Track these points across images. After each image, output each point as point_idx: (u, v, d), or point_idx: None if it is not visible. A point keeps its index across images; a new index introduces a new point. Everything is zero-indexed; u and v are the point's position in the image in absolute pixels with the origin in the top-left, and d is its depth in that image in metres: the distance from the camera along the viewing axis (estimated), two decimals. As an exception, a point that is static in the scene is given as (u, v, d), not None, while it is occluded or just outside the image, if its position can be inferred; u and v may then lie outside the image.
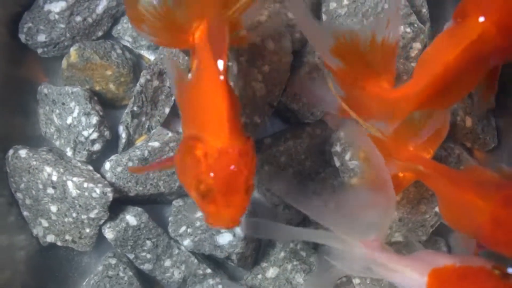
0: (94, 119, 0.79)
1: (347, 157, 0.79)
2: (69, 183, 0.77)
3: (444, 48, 0.63)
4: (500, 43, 0.62)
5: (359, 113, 0.64)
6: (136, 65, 0.86)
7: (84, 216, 0.78)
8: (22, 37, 0.82)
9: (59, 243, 0.81)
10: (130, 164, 0.79)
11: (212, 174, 0.54)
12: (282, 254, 0.81)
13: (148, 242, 0.80)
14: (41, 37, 0.82)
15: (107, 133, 0.81)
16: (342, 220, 0.67)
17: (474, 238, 0.67)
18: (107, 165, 0.80)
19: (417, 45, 0.79)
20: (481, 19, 0.61)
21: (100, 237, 0.80)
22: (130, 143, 0.83)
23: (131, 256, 0.81)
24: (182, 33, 0.64)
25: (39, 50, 0.83)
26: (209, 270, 0.80)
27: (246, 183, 0.55)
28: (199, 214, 0.79)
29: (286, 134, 0.82)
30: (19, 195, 0.81)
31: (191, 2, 0.62)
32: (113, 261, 0.80)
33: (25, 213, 0.81)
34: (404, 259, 0.67)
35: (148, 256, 0.81)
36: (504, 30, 0.61)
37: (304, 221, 0.82)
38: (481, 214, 0.63)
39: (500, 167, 0.70)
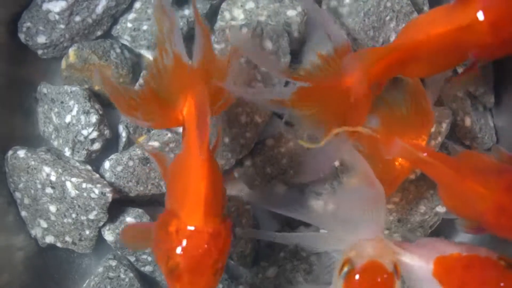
0: (94, 118, 0.79)
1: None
2: (68, 184, 0.77)
3: (433, 22, 0.64)
4: (489, 40, 0.62)
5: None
6: (135, 64, 0.86)
7: (83, 217, 0.78)
8: (21, 36, 0.82)
9: (58, 245, 0.80)
10: (131, 163, 0.79)
11: (181, 252, 0.56)
12: (282, 254, 0.81)
13: (149, 244, 0.80)
14: (41, 39, 0.82)
15: (107, 132, 0.81)
16: (340, 222, 0.67)
17: (477, 224, 0.68)
18: (107, 164, 0.80)
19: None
20: (480, 13, 0.61)
21: (100, 238, 0.80)
22: (130, 142, 0.82)
23: (132, 259, 0.81)
24: (171, 112, 0.65)
25: (39, 52, 0.83)
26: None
27: (214, 266, 0.56)
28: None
29: (287, 136, 0.82)
30: (17, 194, 0.80)
31: (173, 81, 0.65)
32: (113, 263, 0.80)
33: (23, 213, 0.81)
34: (409, 246, 0.67)
35: (149, 259, 0.81)
36: (496, 30, 0.62)
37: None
38: (483, 201, 0.64)
39: (498, 148, 0.70)
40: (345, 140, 0.67)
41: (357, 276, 0.61)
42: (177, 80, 0.65)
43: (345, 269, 0.61)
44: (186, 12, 0.84)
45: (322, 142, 0.67)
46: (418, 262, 0.64)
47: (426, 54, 0.65)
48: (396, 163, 0.72)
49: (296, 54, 0.82)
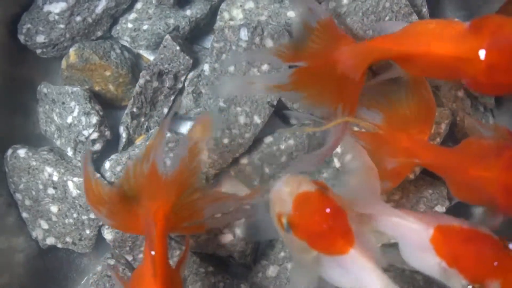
0: (94, 119, 0.79)
1: (347, 158, 0.79)
2: (70, 183, 0.77)
3: (438, 39, 0.64)
4: (483, 79, 0.62)
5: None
6: (135, 65, 0.86)
7: (84, 217, 0.78)
8: (21, 37, 0.82)
9: (59, 245, 0.80)
10: (130, 163, 0.79)
11: None
12: (282, 254, 0.81)
13: (147, 244, 0.80)
14: (40, 38, 0.82)
15: (107, 133, 0.81)
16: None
17: (492, 209, 0.67)
18: (107, 165, 0.80)
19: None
20: (482, 51, 0.61)
21: (99, 238, 0.80)
22: (130, 142, 0.83)
23: (129, 258, 0.80)
24: (135, 219, 0.66)
25: (38, 51, 0.83)
26: (211, 268, 0.79)
27: None
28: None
29: (286, 134, 0.82)
30: (18, 195, 0.80)
31: (144, 190, 0.65)
32: (111, 262, 0.80)
33: (24, 215, 0.81)
34: (410, 212, 0.66)
35: (147, 257, 0.81)
36: (492, 73, 0.61)
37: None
38: (490, 185, 0.64)
39: (496, 125, 0.70)
40: (343, 130, 0.68)
41: (296, 214, 0.59)
42: (148, 189, 0.65)
43: (284, 221, 0.60)
44: (188, 12, 0.84)
45: (324, 127, 0.67)
46: (418, 226, 0.64)
47: (421, 65, 0.65)
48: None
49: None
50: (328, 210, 0.58)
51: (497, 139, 0.68)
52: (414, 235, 0.64)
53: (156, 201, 0.64)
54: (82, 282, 0.82)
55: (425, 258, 0.64)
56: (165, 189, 0.65)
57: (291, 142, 0.80)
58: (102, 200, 0.66)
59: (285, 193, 0.60)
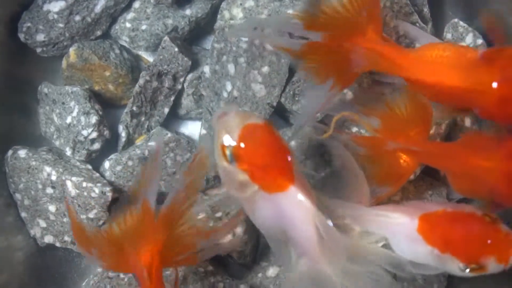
0: (94, 119, 0.79)
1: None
2: (68, 183, 0.77)
3: (451, 68, 0.64)
4: (495, 111, 0.63)
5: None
6: (134, 65, 0.86)
7: (83, 216, 0.78)
8: (21, 36, 0.82)
9: (57, 244, 0.80)
10: (130, 163, 0.79)
11: None
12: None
13: (147, 244, 0.80)
14: (40, 37, 0.82)
15: (106, 132, 0.81)
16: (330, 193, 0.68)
17: (493, 201, 0.67)
18: (106, 164, 0.80)
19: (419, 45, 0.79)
20: (495, 84, 0.61)
21: (99, 237, 0.80)
22: (130, 142, 0.83)
23: (130, 257, 0.80)
24: (126, 258, 0.65)
25: (38, 50, 0.83)
26: (210, 268, 0.79)
27: None
28: (201, 216, 0.78)
29: (287, 135, 0.81)
30: (17, 195, 0.80)
31: (135, 228, 0.64)
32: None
33: (23, 214, 0.81)
34: (394, 206, 0.67)
35: (148, 257, 0.81)
36: (504, 105, 0.62)
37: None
38: (491, 175, 0.64)
39: None
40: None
41: (242, 145, 0.57)
42: (140, 228, 0.64)
43: (228, 152, 0.58)
44: (188, 12, 0.84)
45: (326, 135, 0.69)
46: (402, 219, 0.65)
47: (432, 92, 0.66)
48: (401, 161, 0.71)
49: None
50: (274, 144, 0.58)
51: (497, 130, 0.68)
52: (402, 229, 0.65)
53: (148, 241, 0.63)
54: (83, 284, 0.82)
55: (417, 250, 0.65)
56: (157, 228, 0.64)
57: (292, 143, 0.80)
58: (91, 242, 0.65)
59: (232, 123, 0.59)
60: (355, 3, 0.66)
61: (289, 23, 0.69)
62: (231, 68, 0.78)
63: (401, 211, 0.66)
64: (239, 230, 0.79)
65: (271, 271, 0.80)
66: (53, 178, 0.78)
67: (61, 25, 0.82)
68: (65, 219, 0.79)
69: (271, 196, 0.59)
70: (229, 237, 0.78)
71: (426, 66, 0.66)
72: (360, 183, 0.66)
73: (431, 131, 0.75)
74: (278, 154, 0.58)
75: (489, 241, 0.61)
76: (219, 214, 0.78)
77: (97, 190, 0.76)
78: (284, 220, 0.60)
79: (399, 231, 0.65)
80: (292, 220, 0.59)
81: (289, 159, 0.58)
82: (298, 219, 0.59)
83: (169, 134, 0.81)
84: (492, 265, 0.61)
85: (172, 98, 0.83)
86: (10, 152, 0.80)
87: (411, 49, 0.75)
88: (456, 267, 0.62)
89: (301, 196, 0.58)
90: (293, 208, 0.59)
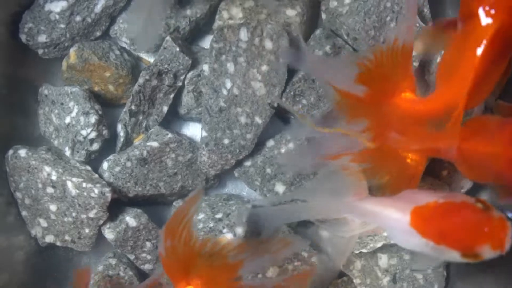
0: (93, 118, 0.79)
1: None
2: (69, 183, 0.77)
3: (465, 52, 0.64)
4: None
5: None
6: (134, 66, 0.86)
7: (83, 216, 0.78)
8: (23, 37, 0.82)
9: (58, 243, 0.81)
10: (129, 164, 0.79)
11: None
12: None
13: (148, 244, 0.80)
14: (42, 38, 0.82)
15: (105, 132, 0.81)
16: (325, 193, 0.69)
17: (503, 185, 0.68)
18: (105, 165, 0.80)
19: (420, 45, 0.79)
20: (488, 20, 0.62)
21: (99, 237, 0.80)
22: (128, 142, 0.82)
23: (132, 257, 0.80)
24: None
25: (40, 51, 0.83)
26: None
27: None
28: (201, 216, 0.78)
29: (287, 137, 0.82)
30: (18, 194, 0.80)
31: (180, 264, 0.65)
32: (113, 261, 0.80)
33: (24, 213, 0.81)
34: (386, 200, 0.67)
35: (149, 257, 0.81)
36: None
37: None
38: (496, 159, 0.64)
39: (498, 104, 0.71)
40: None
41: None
42: (184, 263, 0.65)
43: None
44: (188, 12, 0.84)
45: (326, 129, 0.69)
46: (395, 215, 0.65)
47: (482, 81, 0.66)
48: (408, 160, 0.71)
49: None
50: None
51: (503, 112, 0.69)
52: (395, 224, 0.65)
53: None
54: (83, 283, 0.82)
55: (413, 242, 0.65)
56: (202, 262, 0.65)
57: (290, 145, 0.80)
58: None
59: None
60: (390, 61, 0.66)
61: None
62: (230, 66, 0.79)
63: (393, 206, 0.66)
64: (239, 230, 0.79)
65: (272, 271, 0.80)
66: (53, 178, 0.78)
67: (62, 25, 0.82)
68: (65, 219, 0.79)
69: None
70: (229, 236, 0.78)
71: (459, 69, 0.66)
72: (355, 177, 0.67)
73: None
74: None
75: (484, 229, 0.60)
76: (219, 215, 0.78)
77: (96, 191, 0.77)
78: None
79: (394, 226, 0.66)
80: None
81: None
82: None
83: (170, 135, 0.81)
84: (488, 252, 0.61)
85: (172, 96, 0.83)
86: (10, 152, 0.80)
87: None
88: (454, 256, 0.62)
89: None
90: None
